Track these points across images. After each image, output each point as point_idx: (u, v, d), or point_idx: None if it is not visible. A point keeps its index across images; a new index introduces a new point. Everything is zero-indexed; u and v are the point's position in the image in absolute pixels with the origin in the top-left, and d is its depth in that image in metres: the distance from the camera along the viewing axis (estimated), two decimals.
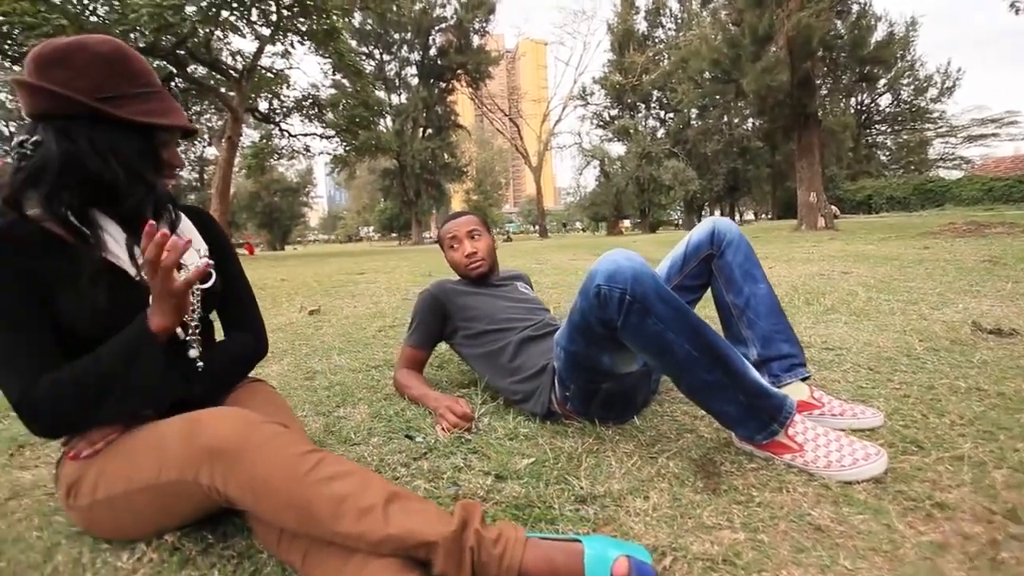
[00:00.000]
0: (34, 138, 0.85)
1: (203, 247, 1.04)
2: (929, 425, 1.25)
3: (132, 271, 0.92)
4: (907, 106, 35.39)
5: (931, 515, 0.90)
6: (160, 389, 0.91)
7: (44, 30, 11.60)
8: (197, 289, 0.97)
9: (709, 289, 1.50)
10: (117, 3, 13.35)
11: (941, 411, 1.32)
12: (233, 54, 19.21)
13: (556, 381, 1.34)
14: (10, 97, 20.56)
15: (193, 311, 0.95)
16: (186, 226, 1.04)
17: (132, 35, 13.22)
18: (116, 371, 0.85)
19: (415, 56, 34.58)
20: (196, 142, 29.59)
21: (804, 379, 1.36)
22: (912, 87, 34.82)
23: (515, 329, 1.55)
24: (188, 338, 0.96)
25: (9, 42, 13.37)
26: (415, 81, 34.85)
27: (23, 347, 0.85)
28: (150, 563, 0.88)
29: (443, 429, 1.36)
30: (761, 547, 0.84)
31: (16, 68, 13.95)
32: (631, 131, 32.52)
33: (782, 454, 1.10)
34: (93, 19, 13.69)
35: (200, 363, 0.97)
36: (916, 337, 2.05)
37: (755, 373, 1.10)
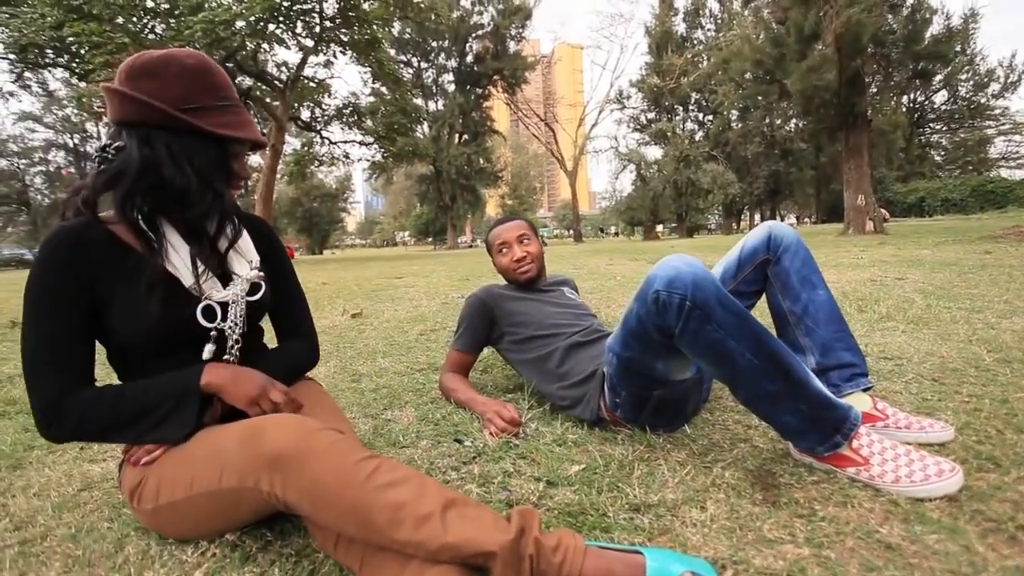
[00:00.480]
0: (117, 143, 0.89)
1: (255, 258, 1.05)
2: (1007, 441, 1.17)
3: (188, 281, 0.94)
4: (965, 103, 33.55)
5: (1015, 538, 0.84)
6: (189, 432, 0.91)
7: (108, 48, 12.36)
8: (243, 300, 1.00)
9: (763, 296, 1.46)
10: (173, 21, 14.09)
11: (1020, 427, 1.24)
12: (278, 65, 20.01)
13: (606, 387, 1.32)
14: (75, 111, 21.89)
15: (235, 326, 0.98)
16: (244, 238, 1.06)
17: None
18: (155, 409, 0.89)
19: (452, 63, 35.11)
20: None
21: (866, 390, 1.30)
22: (971, 83, 32.98)
23: (563, 335, 1.54)
24: (227, 357, 0.99)
25: (77, 60, 14.31)
26: (452, 88, 35.35)
27: (64, 355, 0.88)
28: (213, 558, 0.91)
29: (491, 434, 1.36)
30: (828, 564, 0.81)
31: (83, 84, 14.88)
32: (669, 134, 31.98)
33: (845, 467, 1.06)
34: (151, 36, 14.52)
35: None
36: (984, 347, 1.93)
37: (818, 383, 1.05)
